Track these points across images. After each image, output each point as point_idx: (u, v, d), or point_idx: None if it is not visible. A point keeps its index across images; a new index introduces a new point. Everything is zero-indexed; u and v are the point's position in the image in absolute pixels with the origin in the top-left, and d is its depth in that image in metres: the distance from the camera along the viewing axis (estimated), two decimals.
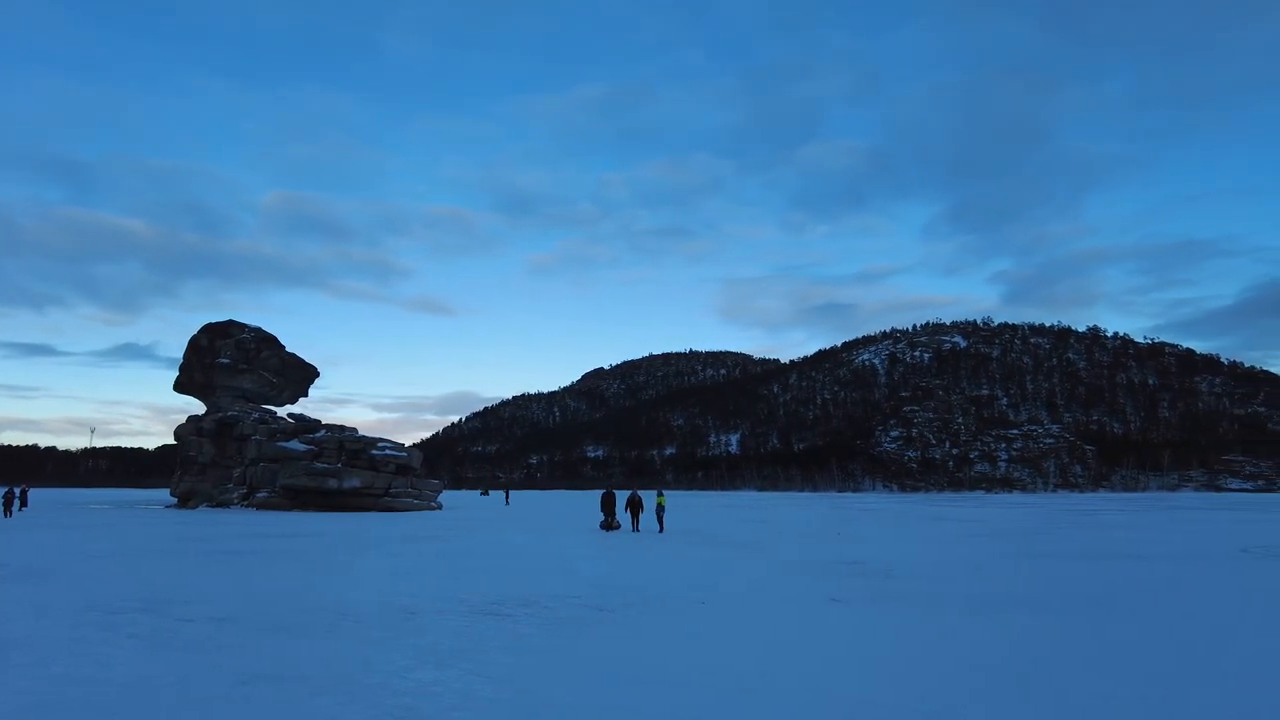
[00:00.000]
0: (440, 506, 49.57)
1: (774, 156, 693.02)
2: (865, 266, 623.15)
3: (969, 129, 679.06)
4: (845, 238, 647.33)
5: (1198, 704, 6.15)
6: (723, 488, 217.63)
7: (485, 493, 68.67)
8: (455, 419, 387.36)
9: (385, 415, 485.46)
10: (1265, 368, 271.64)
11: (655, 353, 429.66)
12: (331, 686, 6.52)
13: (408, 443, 56.00)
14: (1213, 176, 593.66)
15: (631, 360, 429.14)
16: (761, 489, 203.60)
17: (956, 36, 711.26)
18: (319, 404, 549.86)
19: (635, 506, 27.70)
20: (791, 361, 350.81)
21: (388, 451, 46.64)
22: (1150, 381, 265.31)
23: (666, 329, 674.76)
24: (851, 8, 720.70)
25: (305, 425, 50.32)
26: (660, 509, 28.30)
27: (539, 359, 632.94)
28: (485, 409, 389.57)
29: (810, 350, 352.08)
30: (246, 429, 50.65)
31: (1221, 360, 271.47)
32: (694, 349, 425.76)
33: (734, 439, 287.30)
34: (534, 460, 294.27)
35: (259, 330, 58.21)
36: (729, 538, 26.53)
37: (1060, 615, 10.43)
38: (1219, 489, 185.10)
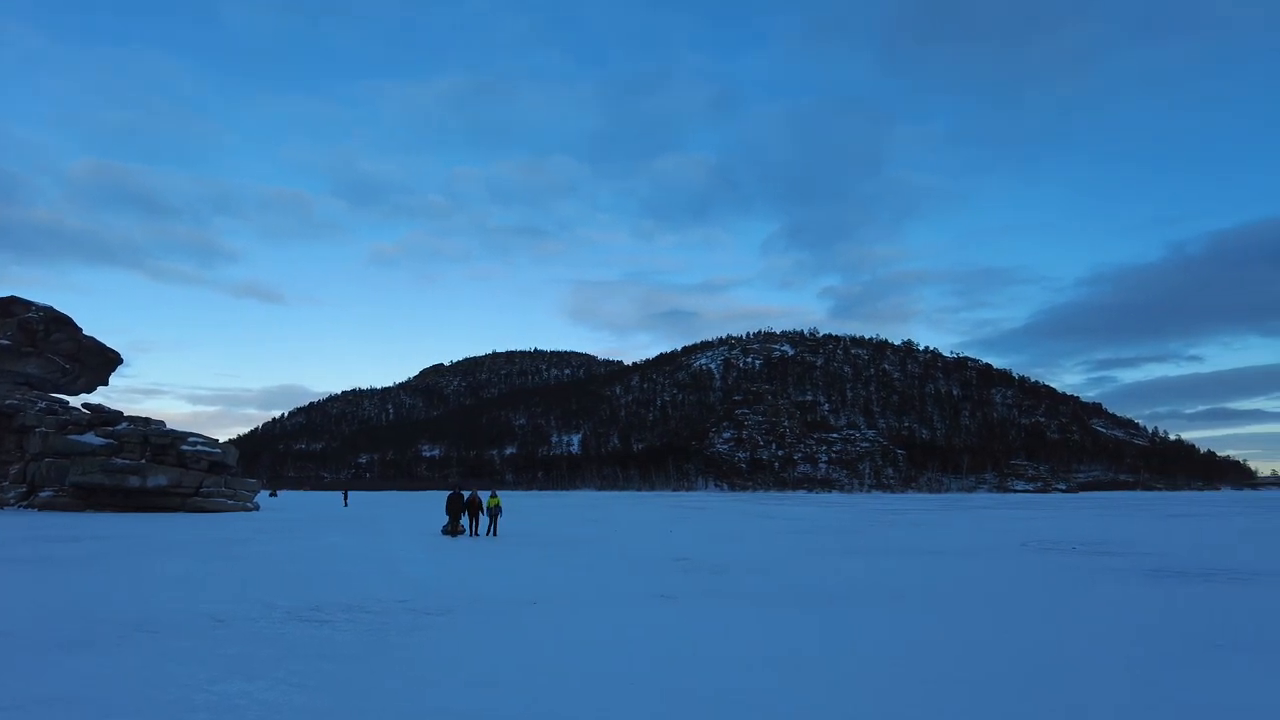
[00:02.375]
0: (258, 507, 46.31)
1: (629, 165, 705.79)
2: (708, 277, 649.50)
3: (809, 153, 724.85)
4: (691, 248, 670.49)
5: (983, 684, 6.83)
6: (563, 488, 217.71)
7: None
8: (279, 414, 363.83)
9: (202, 408, 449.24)
10: (1047, 383, 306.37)
11: (499, 350, 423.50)
12: (121, 706, 5.92)
13: (224, 438, 51.89)
14: (1013, 212, 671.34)
15: (474, 357, 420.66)
16: (601, 489, 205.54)
17: (803, 66, 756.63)
18: (125, 394, 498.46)
19: (473, 508, 26.77)
20: (634, 364, 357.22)
21: (199, 447, 43.00)
22: (954, 392, 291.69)
23: (513, 327, 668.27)
24: (708, 29, 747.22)
25: (103, 417, 45.43)
26: (494, 510, 27.10)
27: (375, 353, 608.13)
28: (311, 404, 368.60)
29: (653, 354, 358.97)
30: (30, 420, 45.03)
31: (1013, 375, 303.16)
32: (539, 348, 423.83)
33: (576, 439, 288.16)
34: (363, 459, 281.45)
35: (49, 310, 51.87)
36: (565, 537, 26.58)
37: (868, 608, 11.25)
38: (1007, 490, 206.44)
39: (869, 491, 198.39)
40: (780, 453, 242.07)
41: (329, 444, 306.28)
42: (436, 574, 15.20)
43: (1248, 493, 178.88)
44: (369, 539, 25.10)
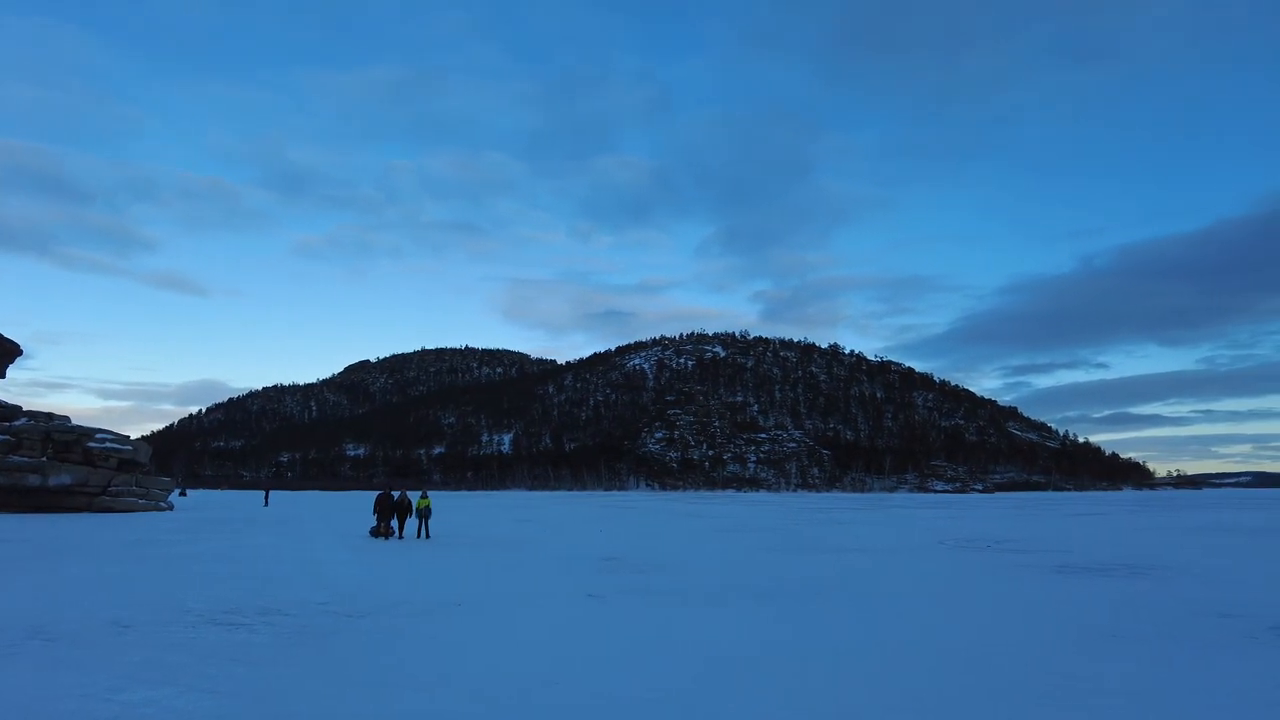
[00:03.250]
0: (171, 507, 44.38)
1: (567, 165, 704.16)
2: (644, 278, 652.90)
3: (743, 159, 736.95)
4: (628, 249, 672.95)
5: (907, 675, 7.05)
6: (493, 488, 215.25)
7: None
8: (196, 410, 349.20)
9: (114, 403, 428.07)
10: (966, 387, 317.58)
11: (429, 348, 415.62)
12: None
13: (137, 434, 49.49)
14: (937, 222, 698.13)
15: (402, 354, 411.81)
16: (532, 489, 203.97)
17: (739, 73, 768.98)
18: (27, 388, 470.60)
19: (402, 509, 26.03)
20: (568, 363, 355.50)
21: (108, 444, 40.95)
22: (878, 395, 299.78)
23: (444, 325, 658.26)
24: (647, 33, 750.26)
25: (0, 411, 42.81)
26: (424, 511, 26.39)
27: (299, 348, 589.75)
28: (231, 400, 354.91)
29: (588, 353, 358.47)
30: None
31: (934, 379, 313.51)
32: (471, 346, 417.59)
33: (507, 438, 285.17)
34: (285, 458, 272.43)
35: None
36: (494, 538, 26.30)
37: (792, 604, 11.48)
38: (927, 490, 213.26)
39: (795, 491, 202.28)
40: (710, 452, 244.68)
41: (249, 441, 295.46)
42: (360, 576, 14.85)
43: (1146, 492, 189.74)
44: (290, 540, 24.33)
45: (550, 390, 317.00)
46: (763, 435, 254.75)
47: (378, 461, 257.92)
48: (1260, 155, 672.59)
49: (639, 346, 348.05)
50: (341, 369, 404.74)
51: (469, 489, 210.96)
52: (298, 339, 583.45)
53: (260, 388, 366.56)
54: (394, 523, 25.86)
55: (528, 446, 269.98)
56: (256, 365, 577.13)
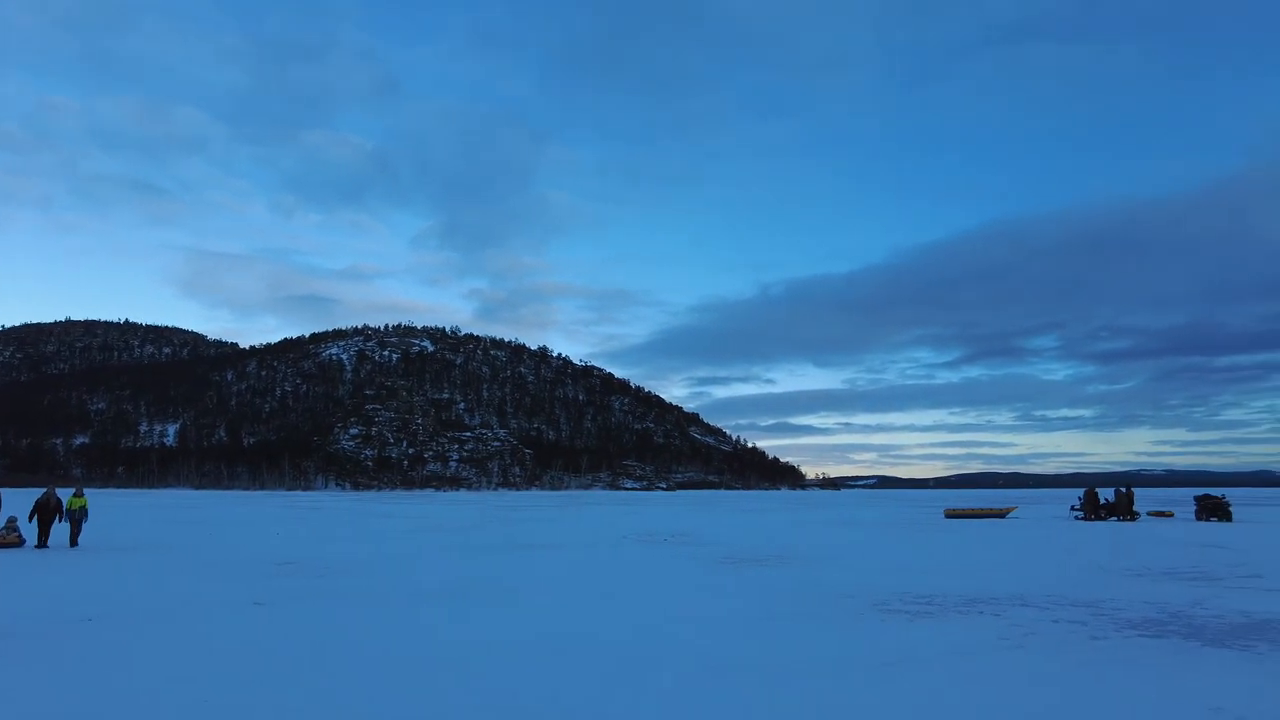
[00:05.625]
0: None
1: (274, 132, 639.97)
2: (353, 264, 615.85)
3: (468, 156, 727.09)
4: (338, 232, 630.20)
5: (609, 663, 7.36)
6: (151, 485, 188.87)
7: None
8: None
9: None
10: (658, 394, 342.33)
11: (75, 318, 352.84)
12: None
13: None
14: (644, 242, 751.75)
15: (38, 324, 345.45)
16: (201, 487, 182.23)
17: (469, 69, 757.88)
18: None
19: (49, 512, 20.96)
20: (253, 348, 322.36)
21: None
22: (580, 397, 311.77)
23: (99, 293, 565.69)
24: (377, 11, 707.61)
25: None
26: (78, 513, 21.47)
27: None
28: None
29: (279, 339, 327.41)
30: None
31: (631, 385, 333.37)
32: (132, 320, 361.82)
33: (172, 429, 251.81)
34: None
35: None
36: (150, 542, 23.13)
37: (469, 603, 11.49)
38: (618, 488, 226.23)
39: (495, 489, 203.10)
40: (411, 451, 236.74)
41: None
42: None
43: (799, 492, 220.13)
44: None
45: (230, 377, 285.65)
46: (467, 434, 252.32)
47: None
48: (898, 211, 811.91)
49: (339, 335, 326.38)
50: None
51: (120, 486, 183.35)
52: None
53: None
54: (26, 527, 21.20)
55: (198, 439, 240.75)
56: None
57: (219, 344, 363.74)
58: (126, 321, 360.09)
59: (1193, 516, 37.97)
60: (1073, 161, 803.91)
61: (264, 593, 12.26)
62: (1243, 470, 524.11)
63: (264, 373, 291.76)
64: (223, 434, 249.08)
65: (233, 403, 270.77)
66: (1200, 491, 49.04)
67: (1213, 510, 36.88)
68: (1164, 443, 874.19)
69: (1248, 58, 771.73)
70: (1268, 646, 8.30)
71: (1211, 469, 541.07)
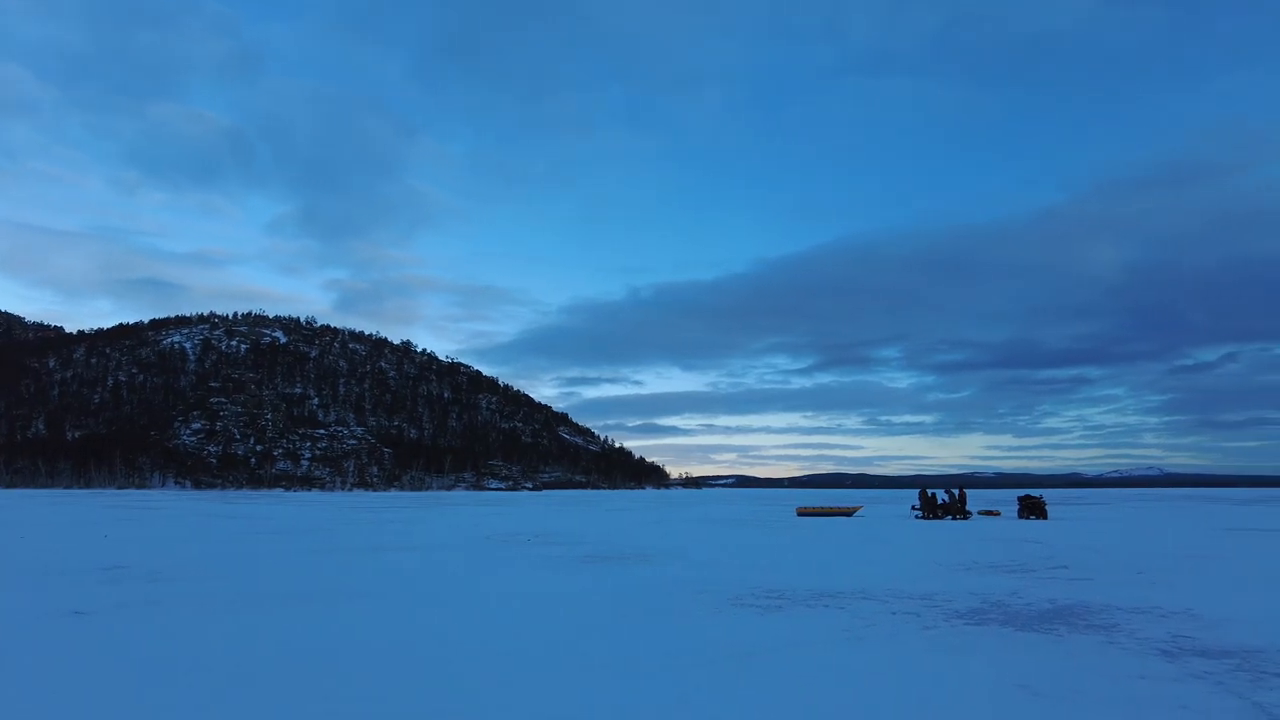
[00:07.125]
0: None
1: (115, 101, 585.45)
2: (202, 247, 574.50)
3: (332, 142, 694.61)
4: (185, 213, 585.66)
5: (454, 665, 7.21)
6: None
7: None
8: None
9: None
10: (527, 393, 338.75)
11: None
12: None
13: None
14: (516, 240, 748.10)
15: None
16: (11, 486, 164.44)
17: (337, 55, 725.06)
18: None
19: None
20: (81, 333, 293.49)
21: None
22: (445, 395, 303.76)
23: None
24: None
25: None
26: None
27: None
28: None
29: (112, 324, 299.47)
30: None
31: (499, 383, 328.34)
32: None
33: None
34: None
35: None
36: None
37: (316, 607, 11.02)
38: (483, 488, 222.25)
39: (351, 490, 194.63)
40: (259, 448, 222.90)
41: None
42: None
43: (663, 491, 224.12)
44: None
45: (52, 364, 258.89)
46: (321, 431, 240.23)
47: None
48: (761, 224, 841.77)
49: (182, 322, 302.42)
50: None
51: None
52: None
53: None
54: None
55: (9, 433, 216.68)
56: None
57: (41, 327, 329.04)
58: None
59: (1015, 515, 41.64)
60: (917, 186, 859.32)
61: (85, 601, 11.25)
62: (1057, 473, 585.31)
63: (94, 360, 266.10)
64: (41, 427, 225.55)
65: (55, 392, 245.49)
66: (1023, 492, 54.08)
67: (1032, 509, 40.68)
68: (994, 447, 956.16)
69: (1075, 102, 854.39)
70: (1066, 629, 9.34)
71: (1033, 471, 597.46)
